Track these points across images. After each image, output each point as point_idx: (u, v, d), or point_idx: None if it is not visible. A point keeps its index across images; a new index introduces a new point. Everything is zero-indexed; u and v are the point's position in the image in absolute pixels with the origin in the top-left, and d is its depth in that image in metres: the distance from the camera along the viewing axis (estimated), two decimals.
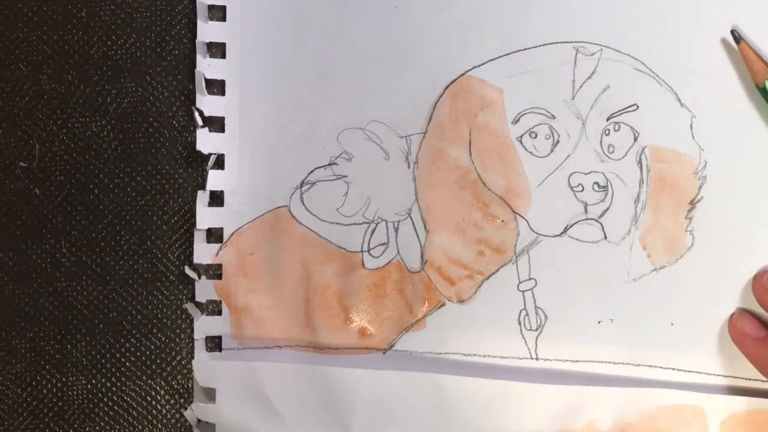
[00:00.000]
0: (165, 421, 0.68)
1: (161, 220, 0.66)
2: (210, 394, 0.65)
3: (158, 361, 0.67)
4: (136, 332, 0.67)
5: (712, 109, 0.62)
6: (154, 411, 0.68)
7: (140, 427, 0.68)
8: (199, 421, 0.67)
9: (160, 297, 0.67)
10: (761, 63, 0.60)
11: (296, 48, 0.64)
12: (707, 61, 0.62)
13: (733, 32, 0.60)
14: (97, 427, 0.68)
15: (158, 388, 0.68)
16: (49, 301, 0.67)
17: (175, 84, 0.66)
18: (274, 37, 0.64)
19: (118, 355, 0.68)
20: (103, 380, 0.68)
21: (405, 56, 0.64)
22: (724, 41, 0.62)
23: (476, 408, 0.63)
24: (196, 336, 0.66)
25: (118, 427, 0.68)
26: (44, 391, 0.68)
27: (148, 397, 0.68)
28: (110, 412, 0.68)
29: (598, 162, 0.63)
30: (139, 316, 0.67)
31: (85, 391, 0.68)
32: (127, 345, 0.67)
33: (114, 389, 0.68)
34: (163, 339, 0.67)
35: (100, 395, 0.68)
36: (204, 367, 0.65)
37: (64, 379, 0.68)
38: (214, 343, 0.66)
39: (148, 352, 0.67)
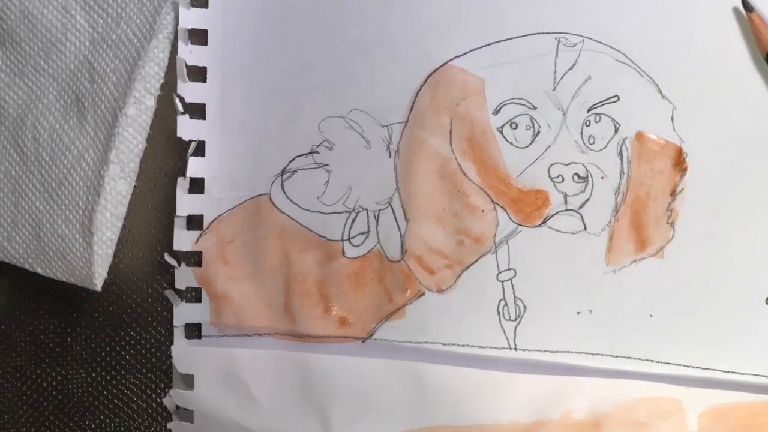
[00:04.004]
0: (165, 414, 0.68)
1: (161, 213, 0.66)
2: (188, 381, 0.66)
3: (158, 354, 0.67)
4: (135, 325, 0.67)
5: (693, 101, 0.62)
6: (153, 404, 0.68)
7: (140, 420, 0.68)
8: (177, 407, 0.67)
9: (160, 290, 0.67)
10: None
11: (278, 35, 0.64)
12: (689, 53, 0.62)
13: (744, 1, 0.60)
14: (97, 420, 0.68)
15: (158, 381, 0.68)
16: (48, 294, 0.67)
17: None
18: (257, 24, 0.64)
19: (117, 348, 0.68)
20: (103, 373, 0.68)
21: (387, 45, 0.64)
22: (717, 26, 0.61)
23: (454, 397, 0.63)
24: (175, 323, 0.66)
25: (117, 420, 0.68)
26: (44, 384, 0.68)
27: (148, 390, 0.68)
28: (110, 405, 0.68)
29: (579, 153, 0.62)
30: (139, 309, 0.67)
31: (84, 384, 0.68)
32: (127, 338, 0.68)
33: (114, 382, 0.68)
34: (163, 332, 0.67)
35: (99, 388, 0.68)
36: (183, 353, 0.65)
37: (63, 372, 0.68)
38: (194, 331, 0.66)
39: (147, 345, 0.67)
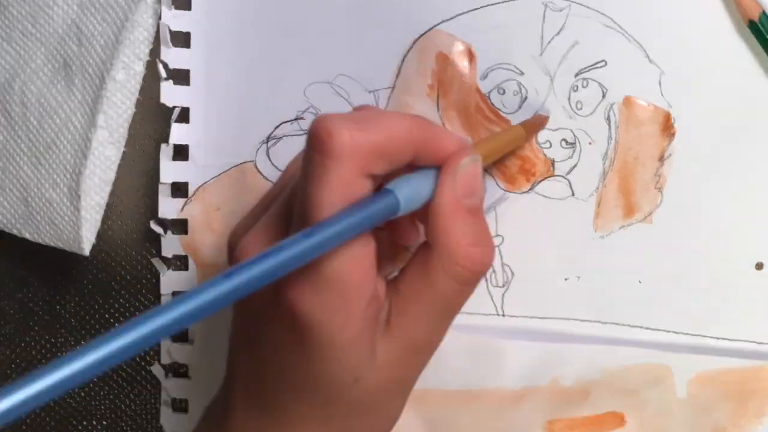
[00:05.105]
0: (154, 382, 0.68)
1: (150, 180, 0.66)
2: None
3: None
4: (124, 292, 0.67)
5: (681, 65, 0.61)
6: (143, 372, 0.68)
7: (129, 387, 0.68)
8: (166, 375, 0.67)
9: (149, 257, 0.67)
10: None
11: (263, 0, 0.64)
12: (676, 17, 0.61)
13: None
14: (87, 388, 0.68)
15: (148, 348, 0.68)
16: (37, 261, 0.67)
17: None
18: None
19: (107, 316, 0.68)
20: None
21: (373, 10, 0.63)
22: None
23: (442, 361, 0.63)
24: (162, 291, 0.66)
25: (107, 387, 0.68)
26: (33, 352, 0.69)
27: (137, 358, 0.68)
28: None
29: (566, 118, 0.62)
30: (128, 276, 0.67)
31: None
32: (116, 305, 0.68)
33: None
34: (152, 299, 0.67)
35: None
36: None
37: (53, 340, 0.68)
38: None
39: (137, 312, 0.68)
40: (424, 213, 0.46)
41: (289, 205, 0.47)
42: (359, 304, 0.44)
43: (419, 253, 0.47)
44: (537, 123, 0.61)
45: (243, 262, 0.37)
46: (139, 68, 0.63)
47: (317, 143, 0.42)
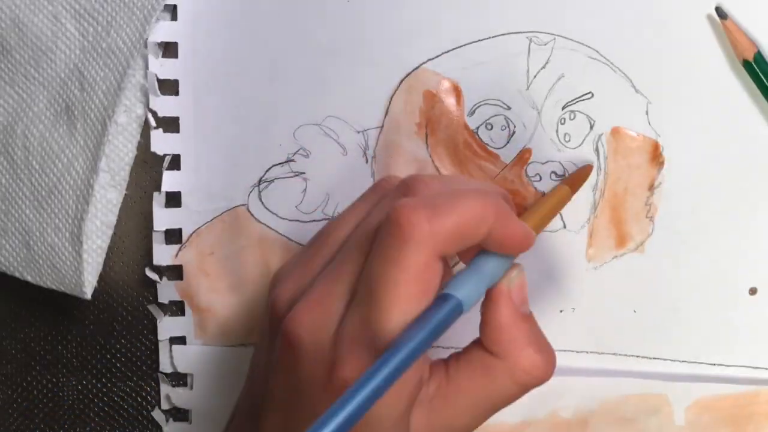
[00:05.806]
0: (155, 422, 0.68)
1: (152, 223, 0.66)
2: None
3: (149, 362, 0.68)
4: (126, 333, 0.68)
5: (668, 94, 0.61)
6: (144, 412, 0.68)
7: (131, 428, 0.68)
8: (167, 420, 0.67)
9: (151, 299, 0.67)
10: (746, 39, 0.59)
11: (249, 45, 0.64)
12: (661, 47, 0.61)
13: (717, 9, 0.59)
14: (88, 428, 0.69)
15: (149, 389, 0.68)
16: (39, 301, 0.68)
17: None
18: (227, 34, 0.64)
19: (108, 356, 0.68)
20: (94, 381, 0.68)
21: (359, 50, 0.63)
22: (690, 22, 0.61)
23: None
24: (159, 337, 0.66)
25: (108, 428, 0.68)
26: (34, 392, 0.69)
27: (139, 398, 0.68)
28: (101, 413, 0.68)
29: (555, 151, 0.62)
30: (129, 317, 0.68)
31: (75, 392, 0.68)
32: (118, 346, 0.68)
33: (105, 390, 0.68)
34: (153, 340, 0.67)
35: (90, 396, 0.68)
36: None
37: (54, 380, 0.69)
38: (178, 344, 0.67)
39: (138, 353, 0.68)
40: None
41: (345, 281, 0.48)
42: (408, 388, 0.46)
43: (477, 355, 0.50)
44: (582, 175, 0.62)
45: (347, 392, 0.38)
46: (141, 111, 0.64)
47: (397, 230, 0.44)
